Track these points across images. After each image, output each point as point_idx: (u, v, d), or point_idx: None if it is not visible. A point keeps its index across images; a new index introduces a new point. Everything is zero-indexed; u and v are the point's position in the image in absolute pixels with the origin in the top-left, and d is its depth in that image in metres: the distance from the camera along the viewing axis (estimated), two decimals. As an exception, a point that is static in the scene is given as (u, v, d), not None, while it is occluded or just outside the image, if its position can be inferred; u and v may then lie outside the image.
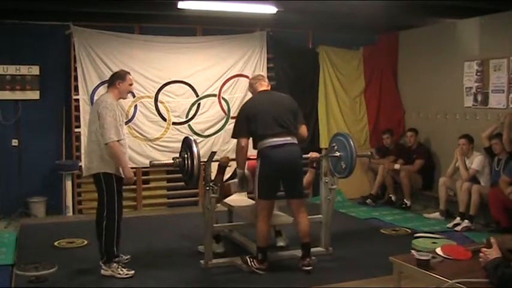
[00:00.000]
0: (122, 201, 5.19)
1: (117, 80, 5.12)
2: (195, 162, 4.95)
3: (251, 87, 5.46)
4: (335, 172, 5.72)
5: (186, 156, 5.08)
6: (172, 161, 5.19)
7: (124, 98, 5.46)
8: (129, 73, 5.25)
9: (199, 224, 5.66)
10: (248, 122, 5.09)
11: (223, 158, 5.43)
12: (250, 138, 5.17)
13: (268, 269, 5.12)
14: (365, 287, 4.78)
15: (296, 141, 5.15)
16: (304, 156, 5.50)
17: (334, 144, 5.72)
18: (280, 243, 5.97)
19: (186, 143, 5.16)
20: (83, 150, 7.48)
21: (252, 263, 5.13)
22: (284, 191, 5.23)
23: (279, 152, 5.00)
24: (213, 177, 5.27)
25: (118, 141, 4.89)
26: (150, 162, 5.44)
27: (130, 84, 5.21)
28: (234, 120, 8.05)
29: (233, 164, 5.53)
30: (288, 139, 5.07)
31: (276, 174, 5.07)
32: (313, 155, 5.60)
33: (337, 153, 5.62)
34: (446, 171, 7.49)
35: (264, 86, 5.37)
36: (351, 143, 5.51)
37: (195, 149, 4.98)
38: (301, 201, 5.27)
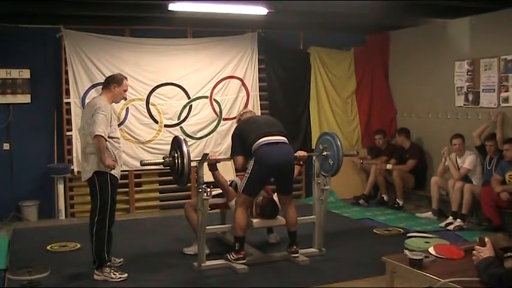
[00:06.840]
0: (114, 209, 5.13)
1: (112, 83, 5.06)
2: (185, 160, 4.96)
3: (240, 118, 5.79)
4: (322, 171, 5.78)
5: (176, 155, 5.09)
6: (162, 160, 5.21)
7: (117, 103, 5.39)
8: (126, 78, 5.19)
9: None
10: (241, 138, 5.29)
11: (210, 157, 5.37)
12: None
13: (245, 257, 5.24)
14: (358, 287, 4.79)
15: (288, 142, 5.31)
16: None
17: (321, 145, 5.84)
18: (272, 241, 6.15)
19: (176, 142, 5.18)
20: (74, 154, 7.46)
21: (231, 256, 5.24)
22: (276, 187, 5.50)
23: (274, 150, 5.14)
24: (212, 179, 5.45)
25: (111, 139, 4.90)
26: (141, 161, 5.55)
27: (125, 90, 5.17)
28: (225, 122, 8.22)
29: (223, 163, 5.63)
30: (282, 138, 5.26)
31: (270, 172, 5.23)
32: (300, 153, 5.64)
33: (325, 153, 5.74)
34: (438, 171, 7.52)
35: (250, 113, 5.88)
36: (337, 140, 5.63)
37: (184, 148, 5.00)
38: (290, 196, 5.51)
